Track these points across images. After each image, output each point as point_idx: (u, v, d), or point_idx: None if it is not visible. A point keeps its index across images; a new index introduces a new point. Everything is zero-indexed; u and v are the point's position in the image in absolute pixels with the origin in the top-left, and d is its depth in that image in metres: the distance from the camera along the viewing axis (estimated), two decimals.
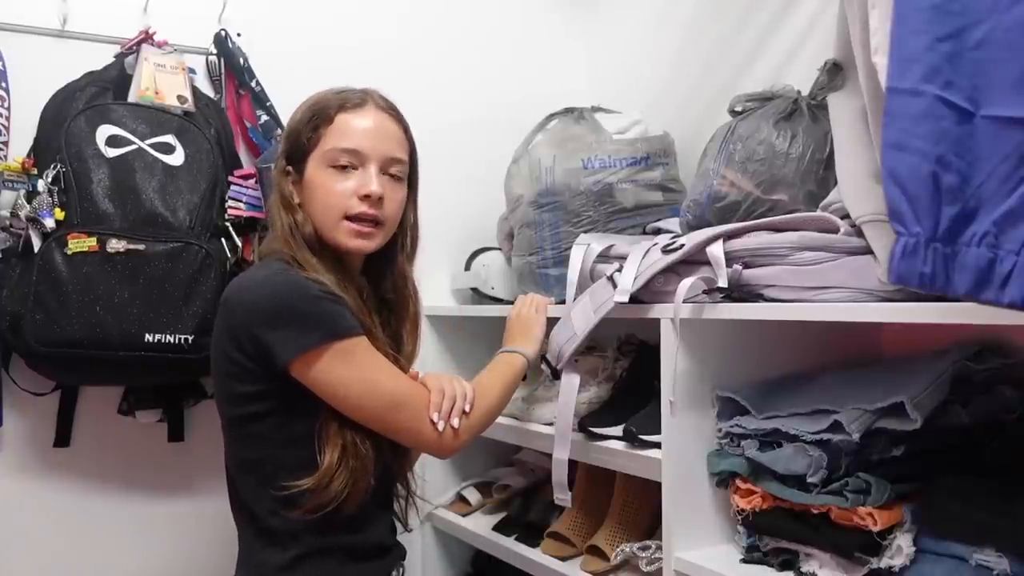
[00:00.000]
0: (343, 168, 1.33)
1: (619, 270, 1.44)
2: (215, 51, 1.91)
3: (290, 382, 1.24)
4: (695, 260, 1.36)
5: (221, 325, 1.28)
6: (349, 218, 1.33)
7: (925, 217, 0.85)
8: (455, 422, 1.32)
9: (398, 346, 1.44)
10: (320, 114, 1.36)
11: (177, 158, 1.71)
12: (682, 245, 1.37)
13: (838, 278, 1.20)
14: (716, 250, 1.31)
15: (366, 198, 1.32)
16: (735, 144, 1.43)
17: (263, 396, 1.26)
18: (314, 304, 1.23)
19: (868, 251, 1.17)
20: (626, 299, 1.39)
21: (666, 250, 1.39)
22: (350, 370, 1.24)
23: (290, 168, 1.37)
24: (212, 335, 1.32)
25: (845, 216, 1.24)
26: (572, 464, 1.53)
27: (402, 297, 1.46)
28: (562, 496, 1.50)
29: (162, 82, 1.76)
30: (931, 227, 0.85)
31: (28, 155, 1.68)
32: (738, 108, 1.50)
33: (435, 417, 1.30)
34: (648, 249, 1.44)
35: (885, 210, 1.12)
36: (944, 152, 0.84)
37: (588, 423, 1.53)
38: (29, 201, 1.62)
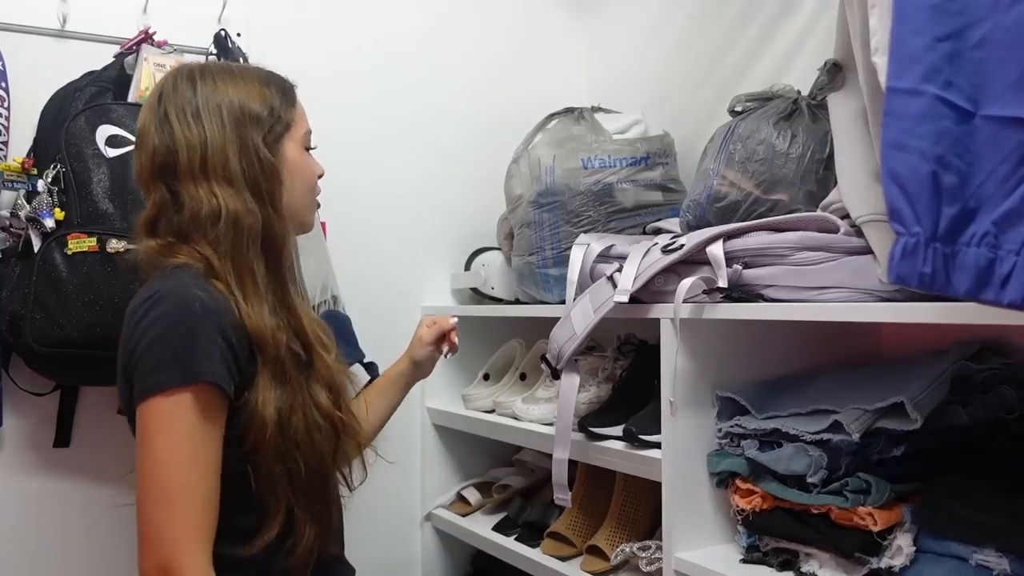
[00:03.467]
0: None
1: (619, 270, 1.44)
2: (215, 51, 1.91)
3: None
4: (695, 260, 1.36)
5: None
6: None
7: (925, 217, 0.85)
8: None
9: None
10: None
11: None
12: (682, 245, 1.37)
13: (838, 278, 1.20)
14: (716, 250, 1.31)
15: None
16: (735, 144, 1.43)
17: None
18: None
19: (868, 251, 1.17)
20: (626, 299, 1.39)
21: (666, 250, 1.39)
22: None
23: None
24: None
25: (845, 216, 1.24)
26: (572, 464, 1.53)
27: None
28: (562, 496, 1.50)
29: None
30: (931, 227, 0.85)
31: (28, 155, 1.68)
32: (738, 108, 1.50)
33: None
34: (648, 249, 1.44)
35: (885, 210, 1.12)
36: (944, 152, 0.84)
37: (588, 423, 1.53)
38: (29, 201, 1.62)
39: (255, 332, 1.15)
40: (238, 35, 1.91)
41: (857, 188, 1.20)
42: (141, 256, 1.23)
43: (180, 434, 1.11)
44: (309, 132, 1.33)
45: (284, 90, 1.29)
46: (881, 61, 0.93)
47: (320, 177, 1.35)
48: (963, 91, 0.84)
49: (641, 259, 1.42)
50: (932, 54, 0.84)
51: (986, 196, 0.83)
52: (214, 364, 1.10)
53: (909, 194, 0.85)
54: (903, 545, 1.15)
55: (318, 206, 1.37)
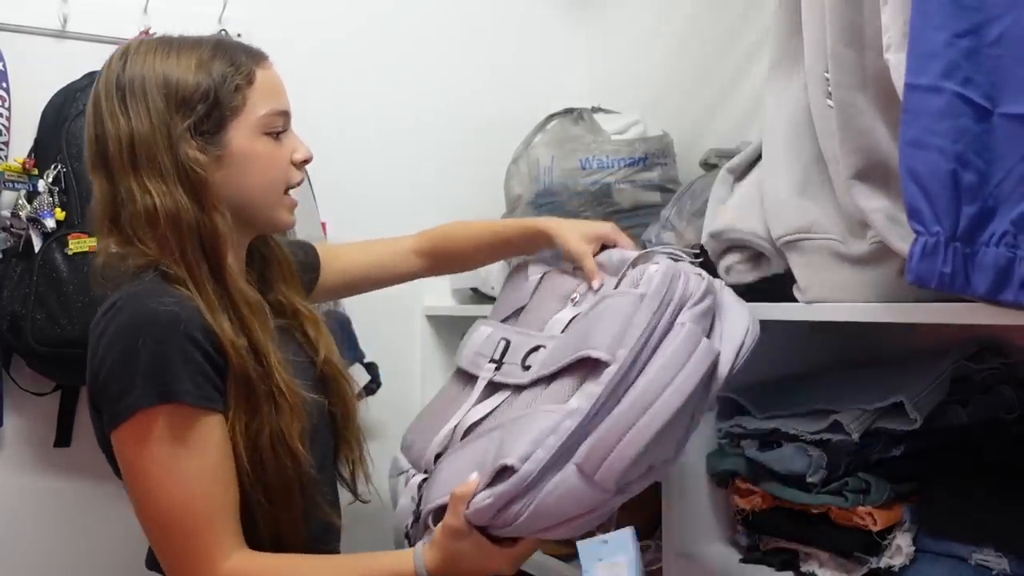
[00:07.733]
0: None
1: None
2: None
3: None
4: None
5: None
6: None
7: (945, 216, 0.83)
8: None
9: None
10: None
11: None
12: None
13: None
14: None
15: None
16: (687, 200, 1.47)
17: None
18: None
19: None
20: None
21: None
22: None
23: None
24: None
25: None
26: None
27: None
28: None
29: None
30: (951, 226, 0.82)
31: (29, 155, 1.68)
32: (711, 161, 1.52)
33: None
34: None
35: (808, 225, 1.08)
36: (963, 150, 0.81)
37: None
38: (30, 201, 1.62)
39: (224, 342, 1.04)
40: (238, 35, 1.90)
41: (776, 205, 1.15)
42: (100, 259, 1.11)
43: (165, 456, 1.02)
44: (279, 113, 1.15)
45: (238, 65, 1.13)
46: (895, 58, 0.90)
47: (304, 163, 1.19)
48: (981, 88, 0.82)
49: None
50: (951, 50, 0.82)
51: (1004, 195, 0.81)
52: (188, 383, 1.01)
53: (929, 193, 0.83)
54: (903, 545, 1.16)
55: (292, 203, 1.19)
